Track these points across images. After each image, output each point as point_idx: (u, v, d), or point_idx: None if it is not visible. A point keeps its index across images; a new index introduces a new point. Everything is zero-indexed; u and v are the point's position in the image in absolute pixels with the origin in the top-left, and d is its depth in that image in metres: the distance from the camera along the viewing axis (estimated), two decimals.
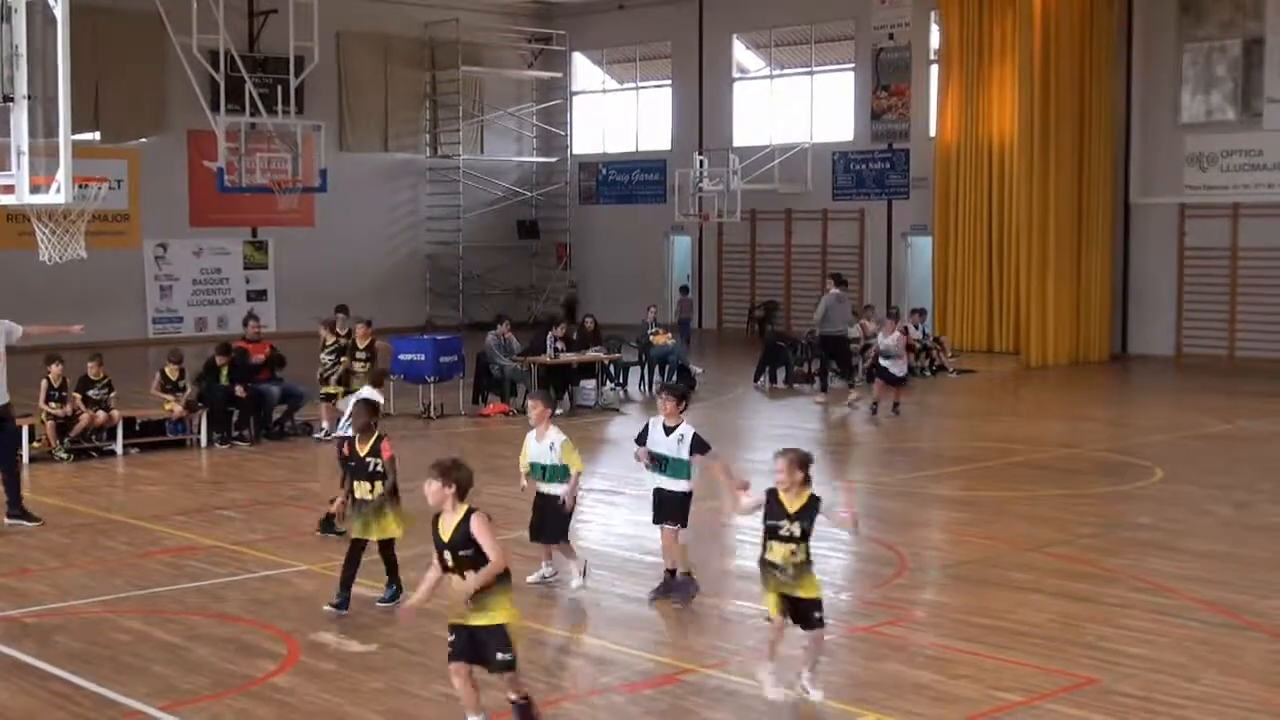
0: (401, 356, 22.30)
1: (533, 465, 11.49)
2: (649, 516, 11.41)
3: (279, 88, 29.15)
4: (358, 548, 10.93)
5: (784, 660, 8.88)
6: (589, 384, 23.76)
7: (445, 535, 7.96)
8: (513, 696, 8.14)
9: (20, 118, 10.78)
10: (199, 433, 19.36)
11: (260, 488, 16.48)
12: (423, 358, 22.24)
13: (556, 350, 23.19)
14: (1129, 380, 27.89)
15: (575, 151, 43.18)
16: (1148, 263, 31.81)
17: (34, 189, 10.94)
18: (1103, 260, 31.42)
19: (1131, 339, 32.10)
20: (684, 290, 36.38)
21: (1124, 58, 31.76)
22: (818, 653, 8.82)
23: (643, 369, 26.12)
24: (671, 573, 11.34)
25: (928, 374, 28.05)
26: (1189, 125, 31.32)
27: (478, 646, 7.86)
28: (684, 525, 11.26)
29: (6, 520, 14.23)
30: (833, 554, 12.58)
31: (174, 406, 19.28)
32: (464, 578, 7.83)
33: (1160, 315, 31.59)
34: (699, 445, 11.01)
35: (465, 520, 7.91)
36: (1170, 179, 31.33)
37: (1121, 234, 32.02)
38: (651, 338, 26.04)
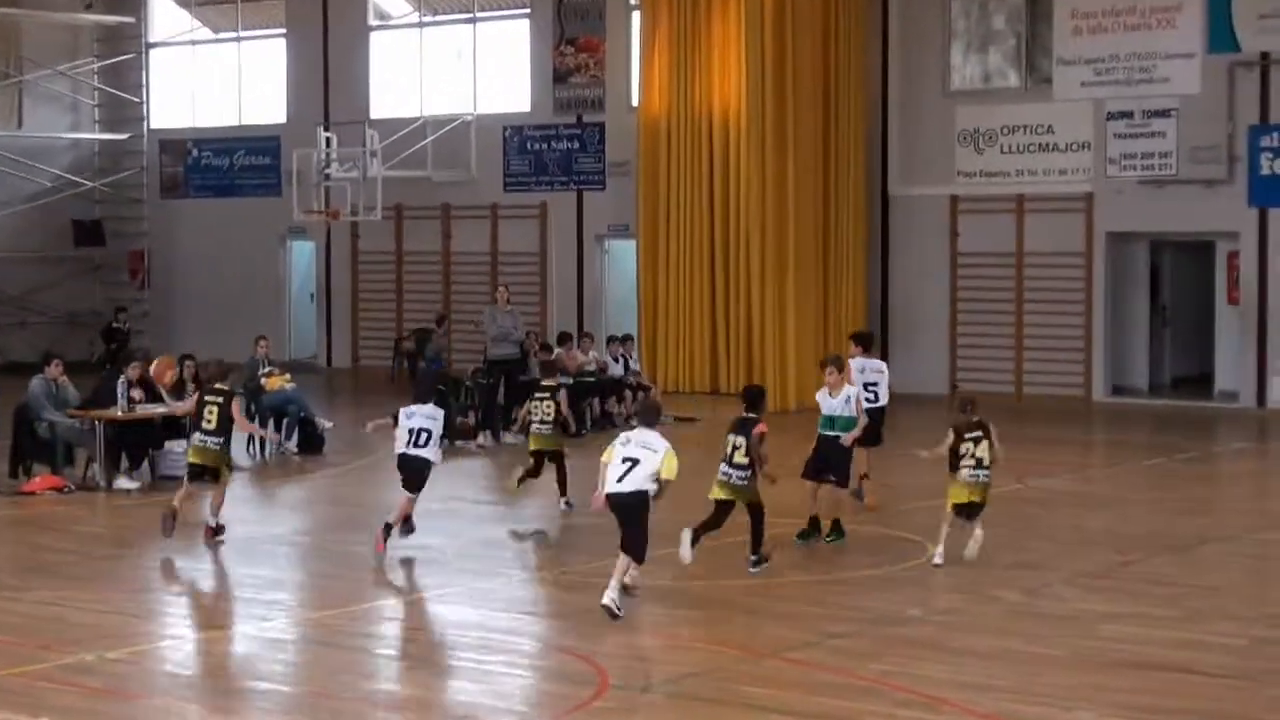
0: None
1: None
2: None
3: None
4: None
5: None
6: (178, 446, 22.89)
7: None
8: None
9: None
10: None
11: None
12: None
13: (131, 401, 22.66)
14: (893, 427, 28.63)
15: (154, 125, 42.52)
16: (912, 273, 32.94)
17: None
18: (855, 271, 32.42)
19: (894, 373, 33.08)
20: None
21: (879, 6, 32.89)
22: None
23: (252, 423, 25.69)
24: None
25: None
26: (961, 93, 32.64)
27: None
28: None
29: None
30: (510, 671, 12.66)
31: None
32: None
33: (929, 342, 32.70)
34: None
35: None
36: (939, 163, 32.54)
37: (879, 236, 33.11)
38: (264, 381, 25.70)
